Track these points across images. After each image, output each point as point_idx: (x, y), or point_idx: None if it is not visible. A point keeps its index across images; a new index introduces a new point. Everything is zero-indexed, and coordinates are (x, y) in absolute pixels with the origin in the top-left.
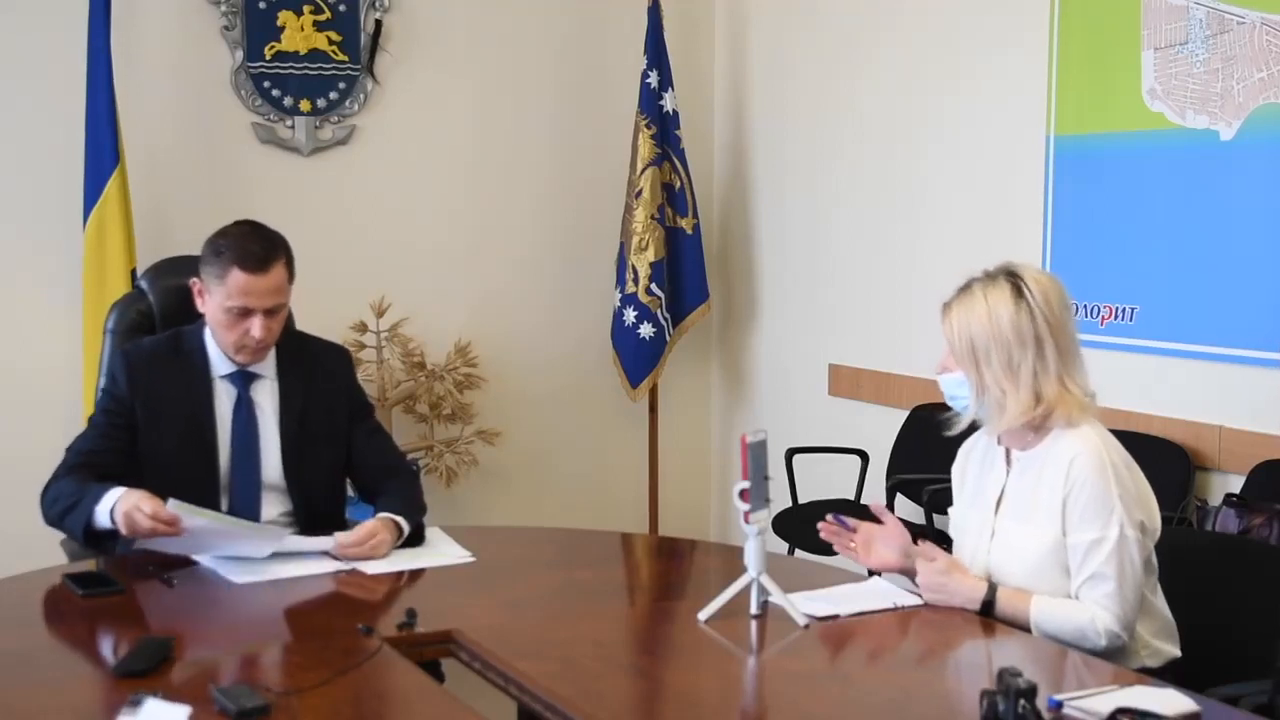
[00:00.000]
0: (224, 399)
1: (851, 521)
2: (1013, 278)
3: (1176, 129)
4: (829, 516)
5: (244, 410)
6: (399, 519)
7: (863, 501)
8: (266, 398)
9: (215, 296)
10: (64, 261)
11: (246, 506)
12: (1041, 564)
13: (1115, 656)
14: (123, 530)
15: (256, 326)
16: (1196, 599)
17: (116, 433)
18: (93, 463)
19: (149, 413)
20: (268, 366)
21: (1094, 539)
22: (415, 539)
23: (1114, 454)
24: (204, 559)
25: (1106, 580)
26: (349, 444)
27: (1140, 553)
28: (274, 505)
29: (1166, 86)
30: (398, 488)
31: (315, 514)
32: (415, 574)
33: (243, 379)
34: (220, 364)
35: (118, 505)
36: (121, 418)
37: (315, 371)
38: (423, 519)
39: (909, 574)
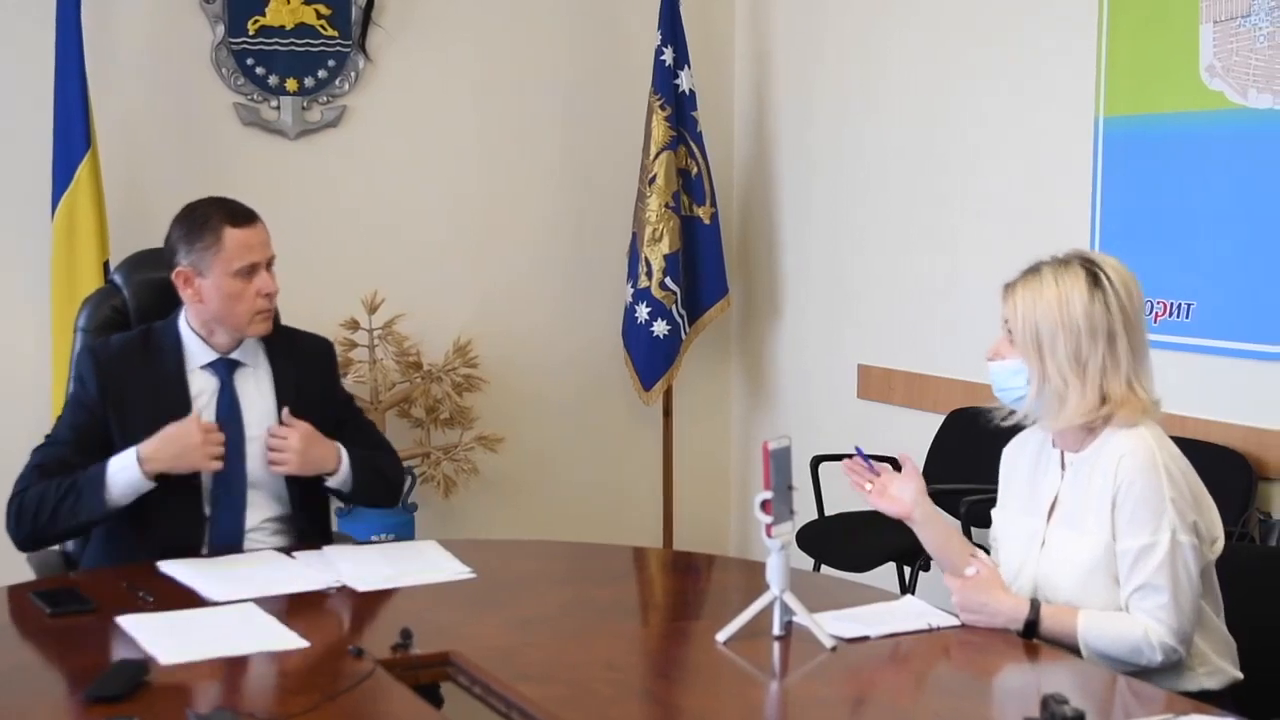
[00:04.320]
0: (204, 391)
1: (876, 465)
2: (1089, 264)
3: (1237, 109)
4: (856, 449)
5: (227, 398)
6: (342, 448)
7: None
8: (252, 386)
9: (215, 269)
10: (31, 254)
11: (230, 506)
12: (1092, 573)
13: (1173, 675)
14: (182, 469)
15: (267, 280)
16: (1259, 620)
17: (85, 445)
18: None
19: (121, 414)
20: (251, 354)
21: (1144, 545)
22: (359, 496)
23: (1167, 455)
24: (183, 575)
25: (1159, 591)
26: (336, 435)
27: (1197, 560)
28: (260, 509)
29: (1227, 63)
30: (372, 449)
31: (307, 512)
32: (410, 591)
33: (226, 367)
34: (200, 354)
35: (151, 460)
36: (92, 430)
37: (303, 362)
38: (381, 487)
39: (916, 524)
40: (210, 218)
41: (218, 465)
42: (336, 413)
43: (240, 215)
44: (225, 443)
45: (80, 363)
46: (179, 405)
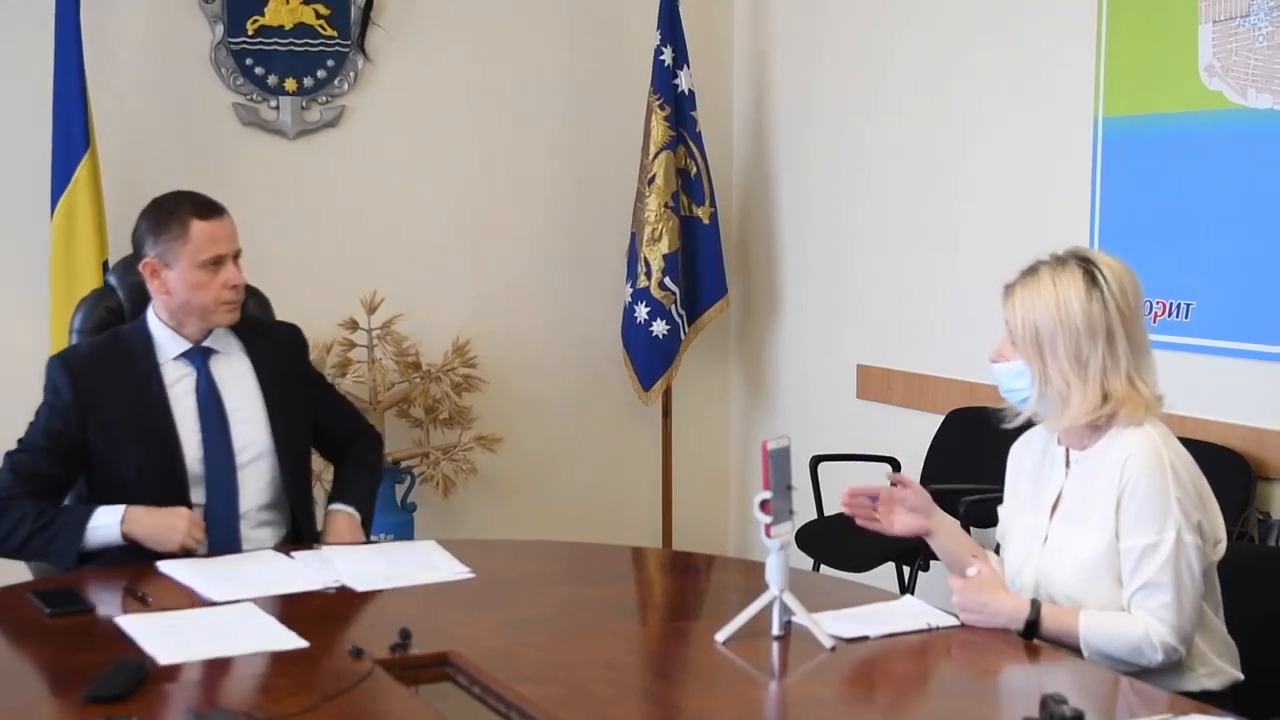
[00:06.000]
0: (181, 382)
1: (873, 490)
2: (1085, 263)
3: (1237, 109)
4: (851, 487)
5: (205, 384)
6: (349, 510)
7: None
8: (229, 371)
9: (182, 260)
10: (30, 254)
11: (221, 492)
12: (1094, 570)
13: (1173, 674)
14: (154, 545)
15: (234, 272)
16: (1259, 620)
17: (58, 454)
18: (36, 490)
19: (99, 417)
20: (223, 341)
21: (1149, 544)
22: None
23: (1173, 454)
24: (182, 575)
25: (1162, 590)
26: (315, 411)
27: (1200, 560)
28: (251, 494)
29: (1226, 63)
30: (355, 457)
31: (299, 501)
32: (409, 591)
33: (200, 355)
34: (172, 346)
35: (134, 523)
36: (66, 437)
37: (276, 344)
38: (376, 489)
39: (931, 536)
40: (177, 209)
41: (192, 546)
42: (310, 393)
43: (207, 207)
44: (211, 434)
45: (52, 371)
46: (157, 398)
